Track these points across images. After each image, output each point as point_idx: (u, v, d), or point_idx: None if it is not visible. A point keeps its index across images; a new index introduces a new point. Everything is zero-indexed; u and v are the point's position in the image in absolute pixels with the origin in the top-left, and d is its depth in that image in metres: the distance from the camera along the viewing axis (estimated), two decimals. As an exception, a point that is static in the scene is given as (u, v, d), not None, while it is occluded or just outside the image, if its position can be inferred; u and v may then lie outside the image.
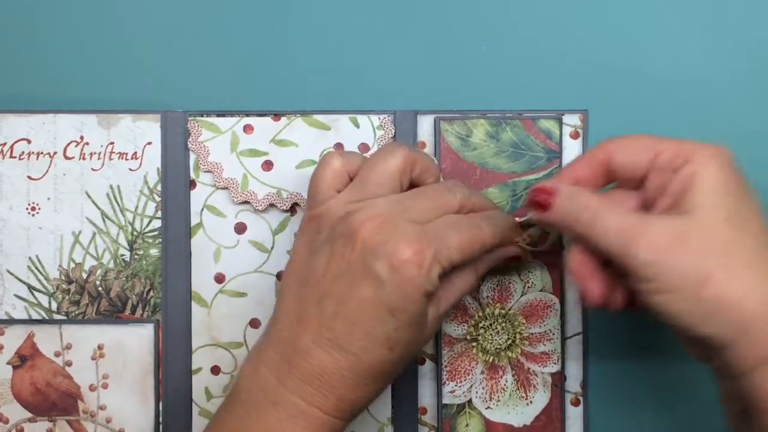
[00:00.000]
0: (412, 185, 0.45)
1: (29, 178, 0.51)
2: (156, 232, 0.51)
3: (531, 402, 0.51)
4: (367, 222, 0.41)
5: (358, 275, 0.41)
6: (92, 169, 0.51)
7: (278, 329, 0.43)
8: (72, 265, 0.51)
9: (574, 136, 0.51)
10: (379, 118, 0.51)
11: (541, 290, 0.51)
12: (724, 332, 0.40)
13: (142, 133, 0.51)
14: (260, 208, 0.50)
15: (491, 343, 0.51)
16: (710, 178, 0.41)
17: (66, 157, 0.51)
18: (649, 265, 0.40)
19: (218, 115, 0.51)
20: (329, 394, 0.42)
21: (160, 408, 0.51)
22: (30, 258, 0.51)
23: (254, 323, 0.51)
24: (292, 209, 0.51)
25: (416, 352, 0.45)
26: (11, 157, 0.51)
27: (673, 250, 0.40)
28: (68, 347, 0.51)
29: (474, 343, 0.51)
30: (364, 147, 0.51)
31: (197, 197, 0.51)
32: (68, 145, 0.51)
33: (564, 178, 0.45)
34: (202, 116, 0.51)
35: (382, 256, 0.41)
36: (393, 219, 0.42)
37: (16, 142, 0.51)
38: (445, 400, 0.51)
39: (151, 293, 0.51)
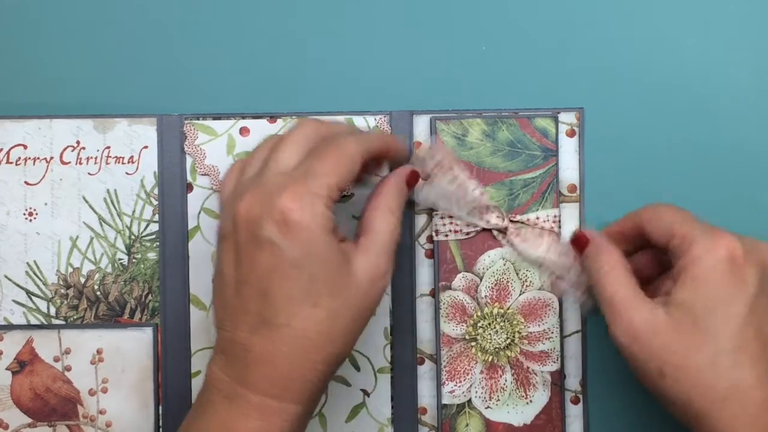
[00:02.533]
0: None
1: (26, 183, 0.51)
2: (153, 236, 0.51)
3: (531, 401, 0.51)
4: (243, 200, 0.42)
5: (254, 250, 0.41)
6: (89, 173, 0.51)
7: (219, 332, 0.44)
8: (70, 269, 0.51)
9: (570, 134, 0.51)
10: (375, 119, 0.51)
11: (539, 289, 0.51)
12: (682, 418, 0.43)
13: (139, 137, 0.51)
14: (257, 210, 0.50)
15: (490, 343, 0.51)
16: (694, 275, 0.42)
17: (62, 162, 0.51)
18: (622, 346, 0.43)
19: (214, 118, 0.51)
20: (275, 378, 0.41)
21: (160, 411, 0.51)
22: (28, 263, 0.51)
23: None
24: (289, 211, 0.51)
25: (355, 306, 0.43)
26: (8, 162, 0.51)
27: (641, 340, 0.43)
28: (67, 352, 0.51)
29: (473, 343, 0.51)
30: (360, 148, 0.51)
31: (194, 200, 0.51)
32: (65, 150, 0.51)
33: (607, 232, 0.48)
34: (198, 119, 0.51)
35: (265, 219, 0.41)
36: (260, 182, 0.42)
37: (12, 147, 0.51)
38: (445, 400, 0.51)
39: (150, 297, 0.51)
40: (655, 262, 0.48)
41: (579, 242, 0.48)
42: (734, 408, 0.41)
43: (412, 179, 0.47)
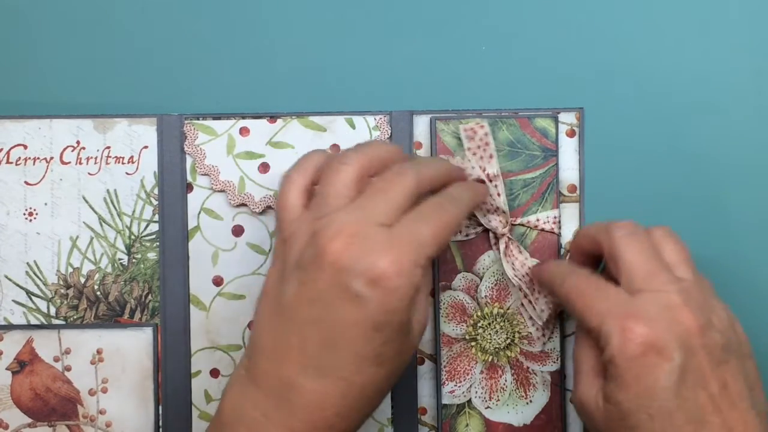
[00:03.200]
0: None
1: (26, 183, 0.51)
2: (153, 236, 0.51)
3: (531, 401, 0.51)
4: (334, 240, 0.39)
5: (336, 297, 0.39)
6: (89, 173, 0.51)
7: (258, 362, 0.41)
8: (70, 269, 0.51)
9: (570, 134, 0.51)
10: (375, 119, 0.51)
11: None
12: None
13: (139, 137, 0.51)
14: (257, 210, 0.50)
15: (490, 343, 0.51)
16: (614, 374, 0.41)
17: (63, 162, 0.51)
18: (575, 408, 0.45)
19: (214, 118, 0.51)
20: (319, 425, 0.40)
21: (160, 411, 0.51)
22: (28, 263, 0.51)
23: (253, 326, 0.51)
24: (289, 211, 0.51)
25: (406, 363, 0.42)
26: (8, 162, 0.51)
27: (586, 415, 0.44)
28: (67, 352, 0.51)
29: (473, 343, 0.51)
30: (360, 148, 0.51)
31: (194, 200, 0.51)
32: (65, 150, 0.51)
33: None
34: (198, 119, 0.51)
35: (358, 273, 0.39)
36: (359, 229, 0.40)
37: (12, 147, 0.51)
38: (445, 400, 0.51)
39: (150, 297, 0.51)
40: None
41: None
42: None
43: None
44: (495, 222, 0.50)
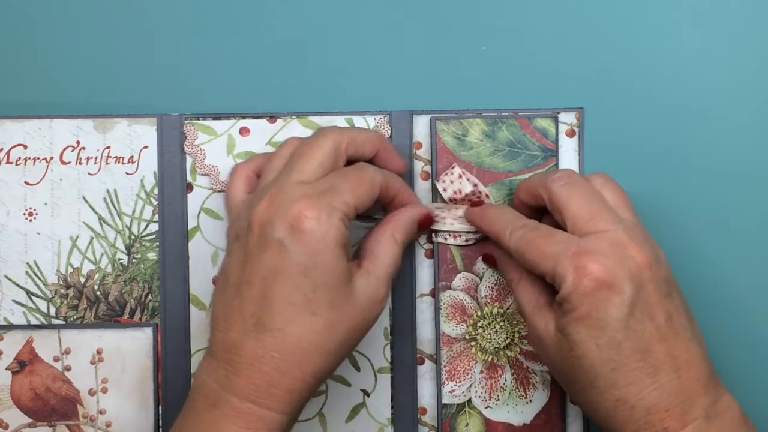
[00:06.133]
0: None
1: (26, 183, 0.51)
2: (153, 236, 0.51)
3: (531, 401, 0.51)
4: (260, 204, 0.42)
5: (262, 250, 0.42)
6: (89, 173, 0.51)
7: (212, 334, 0.44)
8: (70, 269, 0.51)
9: (570, 134, 0.51)
10: (375, 119, 0.51)
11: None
12: None
13: (138, 137, 0.51)
14: (257, 210, 0.50)
15: (490, 343, 0.51)
16: (566, 308, 0.42)
17: (63, 162, 0.51)
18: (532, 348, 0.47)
19: (214, 118, 0.51)
20: (260, 383, 0.41)
21: (160, 411, 0.51)
22: (28, 263, 0.51)
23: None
24: (289, 211, 0.51)
25: (353, 323, 0.43)
26: (8, 162, 0.51)
27: (541, 348, 0.45)
28: (67, 352, 0.51)
29: (473, 343, 0.51)
30: (360, 148, 0.51)
31: (194, 200, 0.51)
32: (65, 150, 0.51)
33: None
34: (197, 119, 0.51)
35: (278, 224, 0.41)
36: (280, 188, 0.43)
37: (12, 147, 0.51)
38: (445, 400, 0.51)
39: (150, 297, 0.51)
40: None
41: (488, 260, 0.50)
42: (621, 420, 0.42)
43: (426, 222, 0.48)
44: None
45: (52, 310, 0.51)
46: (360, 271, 0.44)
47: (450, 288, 0.51)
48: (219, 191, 0.51)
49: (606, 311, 0.41)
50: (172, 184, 0.51)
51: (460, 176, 0.50)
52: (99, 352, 0.51)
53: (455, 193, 0.50)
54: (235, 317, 0.42)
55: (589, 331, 0.42)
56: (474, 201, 0.50)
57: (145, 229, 0.51)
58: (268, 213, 0.42)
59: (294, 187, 0.42)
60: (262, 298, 0.41)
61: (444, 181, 0.50)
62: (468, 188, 0.50)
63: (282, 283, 0.41)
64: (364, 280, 0.44)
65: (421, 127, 0.51)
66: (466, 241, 0.50)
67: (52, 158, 0.51)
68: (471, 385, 0.51)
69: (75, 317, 0.51)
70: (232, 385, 0.42)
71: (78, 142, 0.51)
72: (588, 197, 0.44)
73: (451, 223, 0.50)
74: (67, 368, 0.51)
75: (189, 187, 0.51)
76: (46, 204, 0.51)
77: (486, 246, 0.50)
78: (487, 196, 0.50)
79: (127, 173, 0.51)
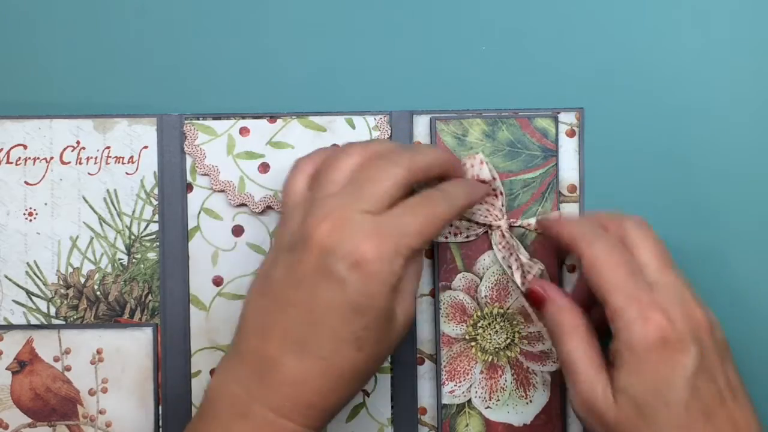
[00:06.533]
0: None
1: (26, 183, 0.51)
2: (153, 236, 0.51)
3: (531, 401, 0.51)
4: (321, 223, 0.41)
5: (319, 278, 0.41)
6: (89, 173, 0.51)
7: (243, 340, 0.43)
8: (70, 269, 0.51)
9: (570, 134, 0.51)
10: (375, 119, 0.51)
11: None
12: None
13: (138, 137, 0.51)
14: (257, 210, 0.50)
15: (490, 343, 0.51)
16: (629, 363, 0.41)
17: (62, 162, 0.51)
18: (577, 415, 0.44)
19: (214, 118, 0.51)
20: (299, 402, 0.41)
21: (160, 412, 0.51)
22: (28, 263, 0.51)
23: (243, 305, 0.51)
24: (289, 211, 0.51)
25: (388, 351, 0.44)
26: (8, 162, 0.51)
27: (595, 416, 0.43)
28: (67, 352, 0.51)
29: (473, 343, 0.51)
30: (360, 148, 0.51)
31: (194, 200, 0.51)
32: (65, 150, 0.51)
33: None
34: (198, 119, 0.51)
35: (341, 256, 0.40)
36: (346, 215, 0.41)
37: (12, 147, 0.51)
38: (445, 400, 0.51)
39: (150, 297, 0.51)
40: None
41: (536, 296, 0.47)
42: None
43: None
44: (492, 216, 0.49)
45: (52, 310, 0.51)
46: (397, 296, 0.43)
47: (450, 288, 0.51)
48: (219, 191, 0.51)
49: (673, 369, 0.41)
50: (172, 184, 0.51)
51: (482, 162, 0.49)
52: (99, 352, 0.51)
53: (473, 178, 0.50)
54: (275, 331, 0.41)
55: (657, 387, 0.41)
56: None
57: (145, 229, 0.51)
58: (331, 240, 0.40)
59: (361, 220, 0.41)
60: (310, 324, 0.41)
61: (464, 163, 0.50)
62: (487, 175, 0.49)
63: (334, 317, 0.40)
64: (402, 303, 0.43)
65: (421, 127, 0.51)
66: (467, 237, 0.50)
67: (52, 158, 0.51)
68: (471, 386, 0.51)
69: (75, 317, 0.51)
70: (266, 399, 0.41)
71: (78, 142, 0.51)
72: (659, 244, 0.44)
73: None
74: (67, 368, 0.51)
75: (189, 187, 0.51)
76: (46, 204, 0.51)
77: (536, 281, 0.48)
78: (501, 193, 0.50)
79: (127, 173, 0.51)
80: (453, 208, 0.44)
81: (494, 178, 0.49)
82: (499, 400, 0.51)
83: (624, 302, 0.42)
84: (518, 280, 0.49)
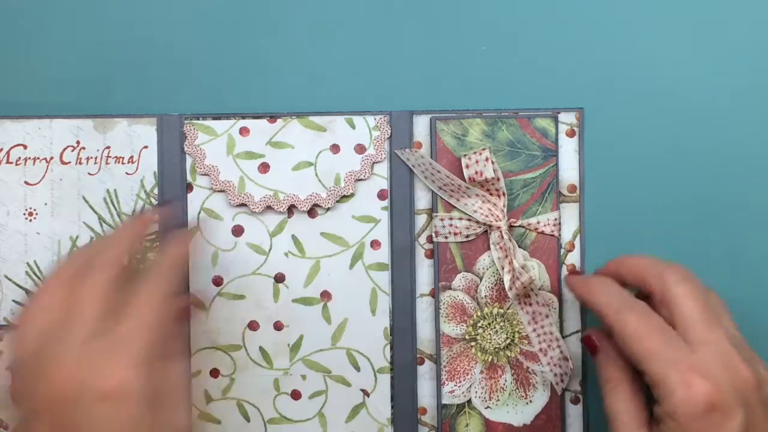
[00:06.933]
0: None
1: (26, 183, 0.51)
2: (153, 236, 0.51)
3: (531, 401, 0.51)
4: (50, 373, 0.40)
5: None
6: (89, 173, 0.51)
7: None
8: (70, 269, 0.51)
9: (570, 134, 0.51)
10: (375, 119, 0.51)
11: (539, 289, 0.51)
12: None
13: (138, 137, 0.51)
14: (257, 210, 0.50)
15: (490, 343, 0.51)
16: (675, 428, 0.41)
17: (62, 162, 0.51)
18: None
19: (214, 118, 0.51)
20: None
21: (160, 411, 0.51)
22: (28, 263, 0.51)
23: (253, 325, 0.51)
24: (289, 211, 0.51)
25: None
26: (8, 162, 0.51)
27: None
28: (67, 352, 0.51)
29: (473, 343, 0.51)
30: (359, 148, 0.51)
31: (194, 200, 0.51)
32: (65, 150, 0.51)
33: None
34: (197, 119, 0.51)
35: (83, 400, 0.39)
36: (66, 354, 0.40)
37: (12, 147, 0.51)
38: (445, 400, 0.51)
39: (150, 297, 0.51)
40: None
41: (589, 344, 0.47)
42: None
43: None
44: (492, 215, 0.50)
45: (52, 310, 0.51)
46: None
47: (450, 288, 0.51)
48: (219, 191, 0.51)
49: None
50: (172, 184, 0.51)
51: (487, 160, 0.49)
52: (99, 352, 0.51)
53: (476, 173, 0.49)
54: None
55: None
56: (572, 269, 0.50)
57: (145, 229, 0.51)
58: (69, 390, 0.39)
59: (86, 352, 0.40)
60: None
61: (470, 158, 0.50)
62: (490, 173, 0.49)
63: None
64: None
65: (421, 127, 0.51)
66: (467, 236, 0.50)
67: (52, 158, 0.51)
68: (471, 386, 0.51)
69: (75, 317, 0.51)
70: None
71: (78, 142, 0.51)
72: (702, 300, 0.43)
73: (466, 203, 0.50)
74: (67, 368, 0.51)
75: (189, 187, 0.51)
76: (46, 204, 0.51)
77: (592, 331, 0.47)
78: (504, 194, 0.50)
79: (127, 173, 0.51)
80: (162, 280, 0.43)
81: (498, 178, 0.49)
82: (499, 400, 0.51)
83: (663, 369, 0.41)
84: (507, 284, 0.49)
